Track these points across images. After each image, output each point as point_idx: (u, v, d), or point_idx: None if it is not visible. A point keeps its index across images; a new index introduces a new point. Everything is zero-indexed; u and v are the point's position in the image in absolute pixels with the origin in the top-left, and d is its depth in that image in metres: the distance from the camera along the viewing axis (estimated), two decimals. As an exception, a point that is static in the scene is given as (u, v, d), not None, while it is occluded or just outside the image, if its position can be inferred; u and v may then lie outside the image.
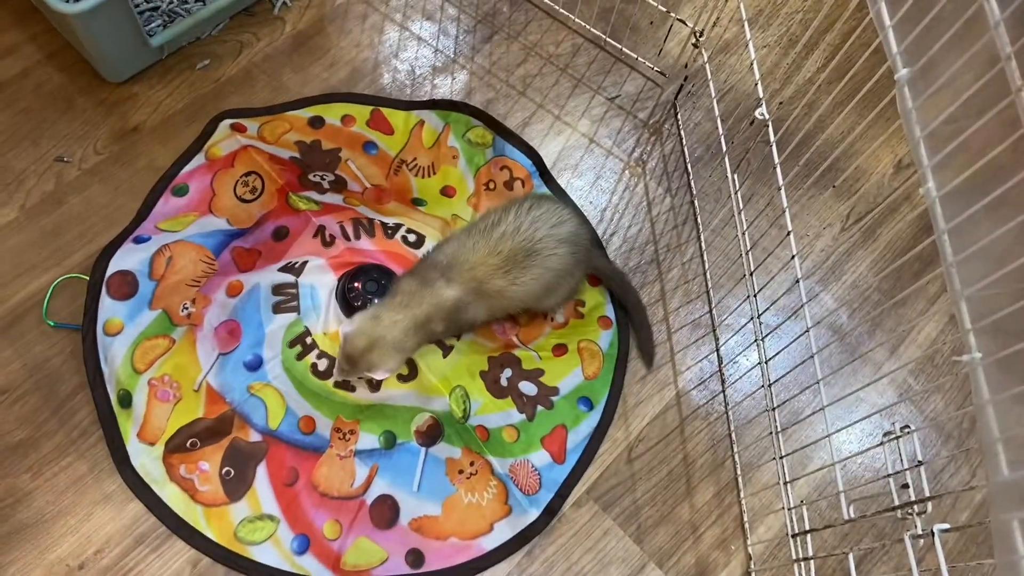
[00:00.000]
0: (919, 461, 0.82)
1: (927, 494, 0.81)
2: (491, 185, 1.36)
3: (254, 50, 1.40)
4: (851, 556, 0.93)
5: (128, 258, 1.21)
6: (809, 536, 1.05)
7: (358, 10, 1.47)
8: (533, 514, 1.15)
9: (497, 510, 1.14)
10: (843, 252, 1.41)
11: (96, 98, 1.32)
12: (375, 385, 1.17)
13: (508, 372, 1.23)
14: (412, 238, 1.25)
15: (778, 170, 1.10)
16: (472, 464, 1.16)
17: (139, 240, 1.23)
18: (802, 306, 1.03)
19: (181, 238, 1.23)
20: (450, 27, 1.48)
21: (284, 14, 1.44)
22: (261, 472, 1.12)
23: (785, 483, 1.11)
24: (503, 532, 1.13)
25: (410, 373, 1.19)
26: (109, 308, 1.18)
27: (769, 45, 1.58)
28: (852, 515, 0.91)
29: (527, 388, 1.23)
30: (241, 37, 1.41)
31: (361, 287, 1.18)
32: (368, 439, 1.16)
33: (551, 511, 1.16)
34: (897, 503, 0.84)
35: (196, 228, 1.24)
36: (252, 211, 1.27)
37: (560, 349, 1.27)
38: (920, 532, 0.80)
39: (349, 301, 1.17)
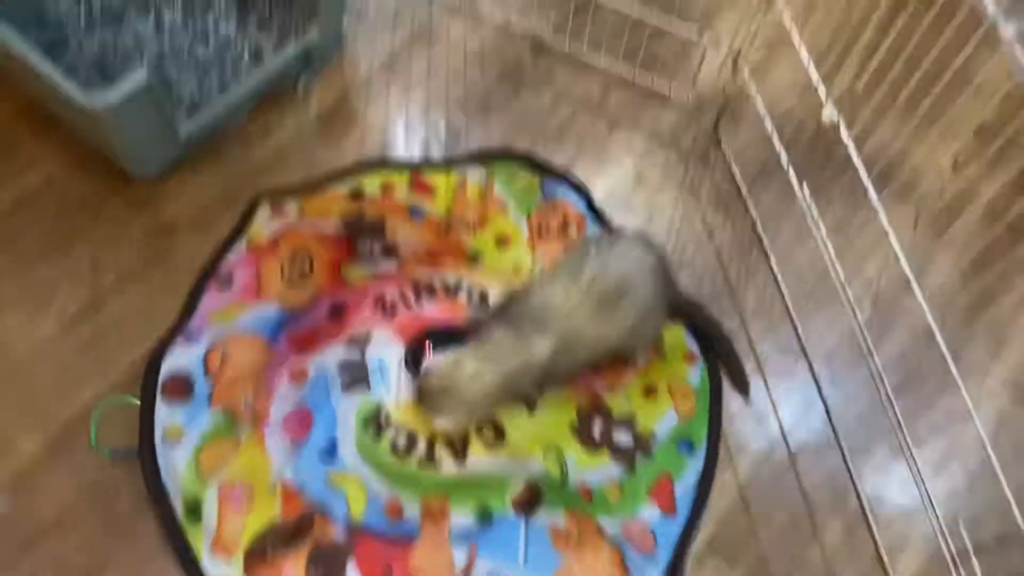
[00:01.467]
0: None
1: None
2: (546, 229, 1.29)
3: (282, 132, 1.36)
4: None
5: (180, 359, 1.13)
6: (977, 561, 0.94)
7: (381, 79, 1.43)
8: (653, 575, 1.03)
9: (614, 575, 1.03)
10: (922, 257, 1.33)
11: (125, 198, 1.26)
12: (460, 455, 1.07)
13: (599, 422, 1.13)
14: (476, 295, 1.18)
15: (861, 171, 1.04)
16: (580, 529, 1.05)
17: (189, 338, 1.15)
18: (922, 303, 0.95)
19: (233, 332, 1.15)
20: (478, 82, 1.45)
21: (307, 93, 1.40)
22: (352, 573, 1.01)
23: (931, 503, 1.00)
24: (626, 600, 1.02)
25: (496, 437, 1.09)
26: (166, 415, 1.09)
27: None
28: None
29: (622, 437, 1.13)
30: (267, 121, 1.36)
31: (431, 349, 1.10)
32: (461, 517, 1.05)
33: (674, 571, 1.04)
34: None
35: (247, 318, 1.17)
36: (304, 292, 1.20)
37: (649, 391, 1.17)
38: None
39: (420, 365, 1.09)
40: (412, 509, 1.05)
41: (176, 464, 1.05)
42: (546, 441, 1.09)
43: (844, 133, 1.04)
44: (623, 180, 1.38)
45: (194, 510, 1.03)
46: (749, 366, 1.22)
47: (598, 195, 1.34)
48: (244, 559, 1.00)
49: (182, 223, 1.26)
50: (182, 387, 1.11)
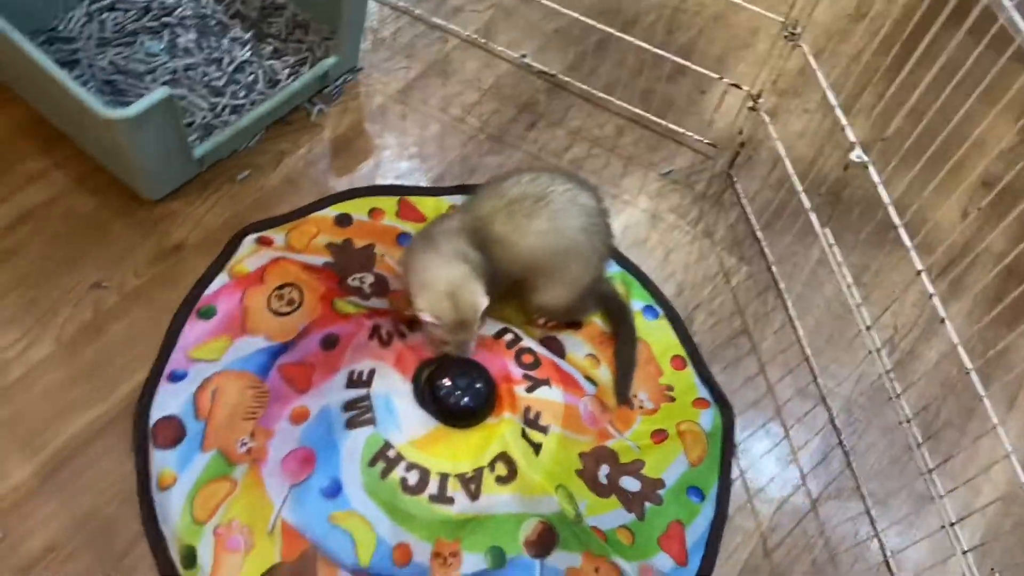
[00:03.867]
0: None
1: None
2: None
3: (295, 157, 1.33)
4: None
5: (169, 401, 1.07)
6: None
7: (396, 110, 1.42)
8: (678, 623, 0.99)
9: (637, 623, 0.99)
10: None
11: (132, 219, 1.23)
12: (474, 492, 1.03)
13: (606, 468, 1.10)
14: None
15: (891, 209, 1.03)
16: (598, 571, 1.01)
17: (175, 377, 1.10)
18: (956, 347, 0.94)
19: (222, 368, 1.10)
20: (491, 120, 1.44)
21: (321, 120, 1.38)
22: (358, 622, 0.96)
23: (964, 552, 0.97)
24: (649, 648, 0.97)
25: (510, 473, 1.05)
26: (159, 460, 1.03)
27: (810, 111, 1.55)
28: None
29: (629, 484, 1.10)
30: (280, 146, 1.34)
31: (452, 382, 1.06)
32: (473, 560, 1.00)
33: (694, 621, 1.01)
34: None
35: (234, 353, 1.12)
36: (293, 323, 1.15)
37: (659, 435, 1.14)
38: None
39: (440, 400, 1.05)
40: (423, 552, 1.00)
41: (170, 510, 1.00)
42: (557, 480, 1.06)
43: (874, 173, 1.04)
44: (638, 218, 1.37)
45: (189, 558, 0.97)
46: (768, 410, 1.20)
47: (615, 230, 1.32)
48: (245, 605, 0.95)
49: (190, 246, 1.22)
50: (173, 432, 1.05)
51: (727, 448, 1.16)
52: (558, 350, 1.19)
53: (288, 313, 1.16)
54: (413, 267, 1.06)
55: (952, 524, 0.97)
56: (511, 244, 1.06)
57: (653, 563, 1.04)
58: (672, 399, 1.19)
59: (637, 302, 1.27)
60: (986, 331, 1.30)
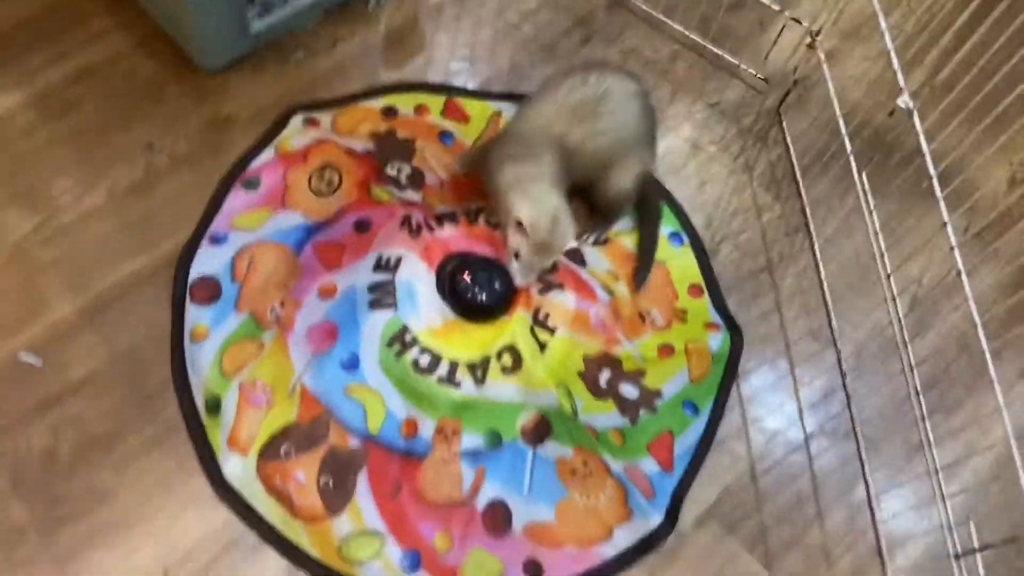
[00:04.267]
0: None
1: None
2: None
3: (349, 45, 1.36)
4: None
5: (209, 262, 1.14)
6: (980, 556, 0.94)
7: (452, 10, 1.43)
8: (656, 519, 1.05)
9: (616, 513, 1.05)
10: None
11: (188, 86, 1.27)
12: (480, 378, 1.09)
13: (607, 373, 1.14)
14: (495, 221, 1.20)
15: (928, 161, 1.03)
16: (586, 464, 1.07)
17: (216, 240, 1.16)
18: (967, 300, 0.95)
19: (260, 239, 1.16)
20: (545, 30, 1.44)
21: (378, 12, 1.40)
22: (362, 483, 1.02)
23: (943, 499, 1.00)
24: (624, 538, 1.03)
25: (514, 365, 1.10)
26: (194, 314, 1.10)
27: (870, 58, 1.52)
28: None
29: (628, 390, 1.14)
30: (336, 32, 1.37)
31: (471, 279, 1.10)
32: (472, 439, 1.06)
33: (673, 518, 1.06)
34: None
35: (273, 226, 1.17)
36: (330, 204, 1.20)
37: (666, 350, 1.18)
38: None
39: (459, 294, 1.10)
40: (427, 428, 1.06)
41: (200, 362, 1.07)
42: (559, 378, 1.11)
43: (917, 122, 1.03)
44: (678, 145, 1.38)
45: (214, 406, 1.04)
46: (778, 345, 1.23)
47: (653, 155, 1.34)
48: (258, 457, 1.02)
49: (240, 119, 1.26)
50: (210, 290, 1.12)
51: (730, 370, 1.19)
52: (579, 261, 1.22)
53: (327, 194, 1.20)
54: (514, 180, 1.09)
55: (937, 471, 1.00)
56: (585, 151, 1.12)
57: (640, 464, 1.09)
58: (684, 320, 1.22)
59: (665, 227, 1.29)
60: (1010, 299, 1.30)
